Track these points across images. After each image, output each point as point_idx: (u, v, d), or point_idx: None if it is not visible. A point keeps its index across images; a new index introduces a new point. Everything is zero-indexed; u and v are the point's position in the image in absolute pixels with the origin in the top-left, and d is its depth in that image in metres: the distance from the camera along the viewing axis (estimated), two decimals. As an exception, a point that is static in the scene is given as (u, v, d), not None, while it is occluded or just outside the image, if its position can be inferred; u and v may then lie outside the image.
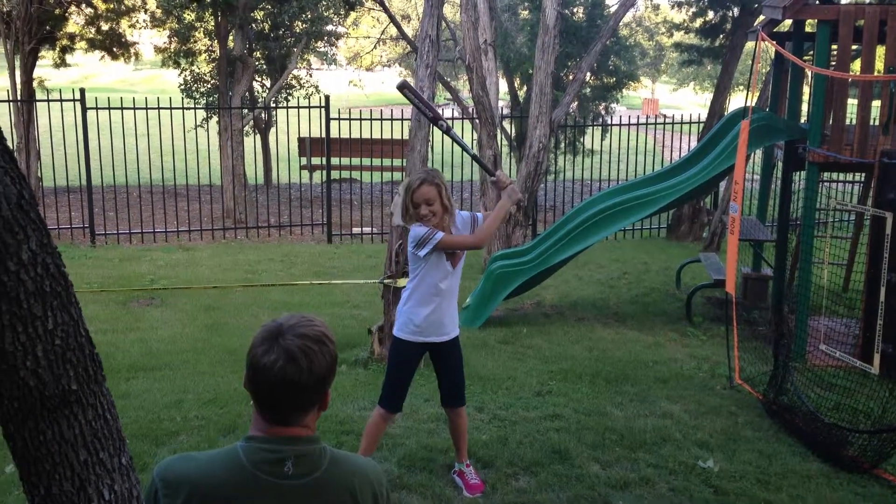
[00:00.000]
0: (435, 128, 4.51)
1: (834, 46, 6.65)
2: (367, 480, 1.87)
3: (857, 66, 7.19)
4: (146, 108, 11.63)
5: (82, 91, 11.44)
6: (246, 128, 14.66)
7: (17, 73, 13.41)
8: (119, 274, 9.60)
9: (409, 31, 21.65)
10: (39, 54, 14.15)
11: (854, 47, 6.87)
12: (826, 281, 6.76)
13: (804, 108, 7.82)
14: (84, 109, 11.28)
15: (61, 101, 11.75)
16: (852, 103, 6.92)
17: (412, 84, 4.61)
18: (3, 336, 1.65)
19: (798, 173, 7.21)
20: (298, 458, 1.77)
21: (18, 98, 13.11)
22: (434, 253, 4.07)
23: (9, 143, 1.65)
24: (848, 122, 6.82)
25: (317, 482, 1.79)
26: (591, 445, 4.90)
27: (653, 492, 4.36)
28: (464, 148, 4.40)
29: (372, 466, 1.93)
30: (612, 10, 14.52)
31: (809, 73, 6.94)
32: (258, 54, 15.66)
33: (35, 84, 13.91)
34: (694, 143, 11.69)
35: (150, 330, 7.28)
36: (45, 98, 12.71)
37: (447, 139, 4.49)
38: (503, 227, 9.06)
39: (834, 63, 6.75)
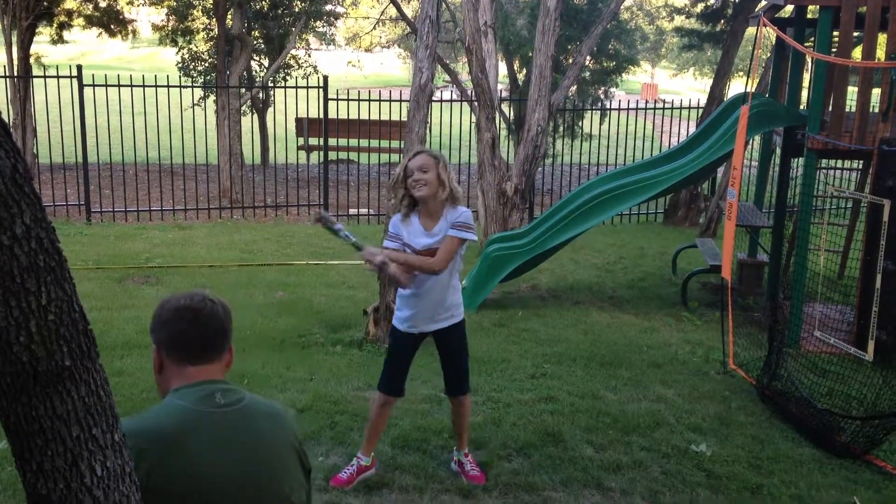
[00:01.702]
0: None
1: (835, 33, 6.63)
2: (287, 414, 2.29)
3: (858, 53, 7.17)
4: (143, 86, 11.57)
5: (79, 68, 11.37)
6: (243, 107, 14.59)
7: (14, 48, 13.33)
8: (114, 252, 9.59)
9: (408, 11, 21.51)
10: (37, 30, 14.06)
11: (855, 34, 6.84)
12: (822, 267, 6.77)
13: (804, 94, 7.79)
14: (81, 86, 11.22)
15: (58, 77, 11.68)
16: (852, 90, 6.90)
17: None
18: (-5, 311, 1.64)
19: (796, 160, 7.21)
20: (224, 391, 2.12)
21: (15, 74, 13.03)
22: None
23: (5, 118, 1.63)
24: (847, 109, 6.81)
25: (247, 406, 2.13)
26: (585, 428, 4.92)
27: (645, 475, 4.38)
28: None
29: (281, 405, 2.33)
30: (613, -7, 14.42)
31: (810, 60, 6.91)
32: (256, 33, 15.57)
33: (32, 60, 13.83)
34: (693, 129, 11.67)
35: (145, 308, 7.27)
36: (42, 74, 12.64)
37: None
38: (500, 210, 9.04)
39: (835, 49, 6.73)
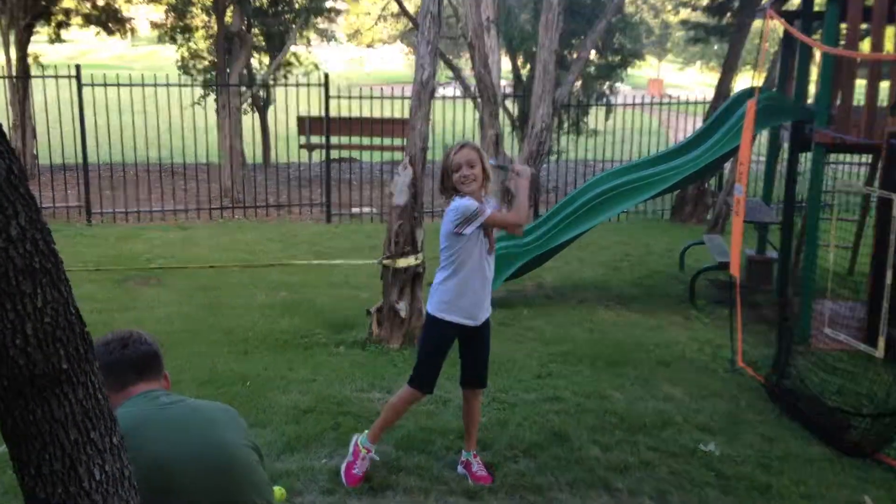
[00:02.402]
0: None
1: (843, 25, 6.57)
2: (227, 406, 2.51)
3: (866, 45, 7.11)
4: (143, 85, 11.53)
5: (78, 67, 11.33)
6: (244, 106, 14.55)
7: (12, 48, 13.31)
8: (115, 253, 9.56)
9: (410, 7, 21.46)
10: (34, 30, 14.04)
11: (863, 27, 6.78)
12: (831, 263, 6.71)
13: (812, 88, 7.74)
14: (80, 86, 11.18)
15: (56, 77, 11.64)
16: (860, 84, 6.85)
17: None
18: (-10, 314, 1.63)
19: (804, 154, 7.15)
20: (167, 394, 2.40)
21: (13, 74, 13.00)
22: (475, 231, 3.92)
23: (4, 120, 1.60)
24: (855, 103, 6.75)
25: (191, 403, 2.39)
26: (591, 428, 4.87)
27: (653, 475, 4.33)
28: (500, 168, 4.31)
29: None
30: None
31: (817, 53, 6.85)
32: (256, 31, 15.53)
33: (30, 60, 13.81)
34: (699, 124, 11.62)
35: (147, 310, 7.23)
36: (41, 74, 12.61)
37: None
38: (504, 208, 8.98)
39: (843, 42, 6.67)
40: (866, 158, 8.57)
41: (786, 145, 7.82)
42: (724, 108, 8.29)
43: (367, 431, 4.24)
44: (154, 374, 2.46)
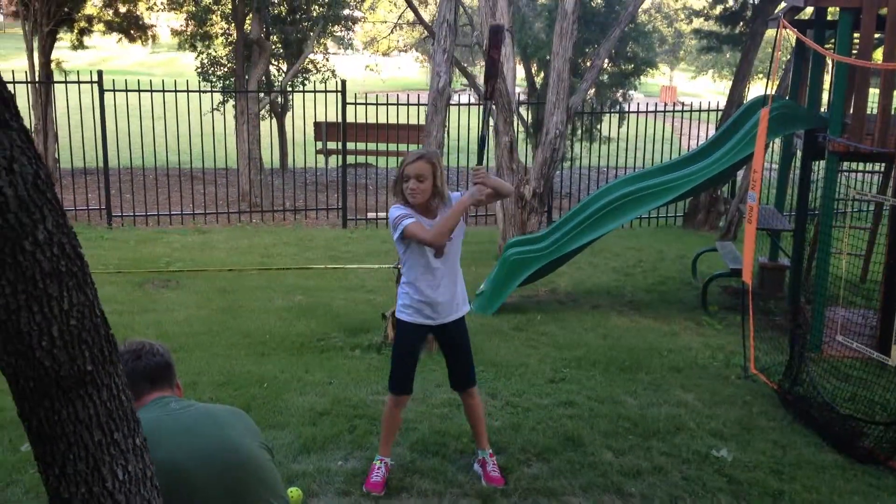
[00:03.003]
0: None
1: (856, 34, 6.56)
2: (237, 411, 2.63)
3: (879, 54, 7.10)
4: (163, 91, 11.66)
5: (100, 73, 11.46)
6: (262, 112, 14.65)
7: (36, 54, 13.47)
8: (135, 256, 9.65)
9: (426, 15, 21.54)
10: (57, 36, 14.21)
11: (877, 35, 6.77)
12: (844, 271, 6.70)
13: (825, 96, 7.73)
14: (101, 91, 11.31)
15: (79, 83, 11.78)
16: (874, 92, 6.83)
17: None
18: (18, 316, 1.65)
19: (817, 162, 7.14)
20: (177, 400, 2.51)
21: (37, 79, 13.16)
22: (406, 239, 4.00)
23: (27, 124, 1.65)
24: (869, 111, 6.74)
25: (201, 408, 2.50)
26: (605, 433, 4.89)
27: (666, 480, 4.34)
28: (485, 124, 4.26)
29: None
30: (632, -5, 14.37)
31: (830, 62, 6.85)
32: (275, 38, 15.63)
33: (53, 66, 13.98)
34: (712, 132, 11.60)
35: (166, 312, 7.31)
36: (63, 80, 12.76)
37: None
38: (518, 214, 9.02)
39: (856, 51, 6.67)
40: (879, 167, 8.53)
41: (799, 153, 7.81)
42: (737, 115, 8.28)
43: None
44: (166, 383, 2.58)
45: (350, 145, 13.41)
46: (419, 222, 3.95)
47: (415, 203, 4.00)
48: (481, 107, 4.09)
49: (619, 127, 14.79)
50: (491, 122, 4.36)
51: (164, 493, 2.04)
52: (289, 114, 16.83)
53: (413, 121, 13.62)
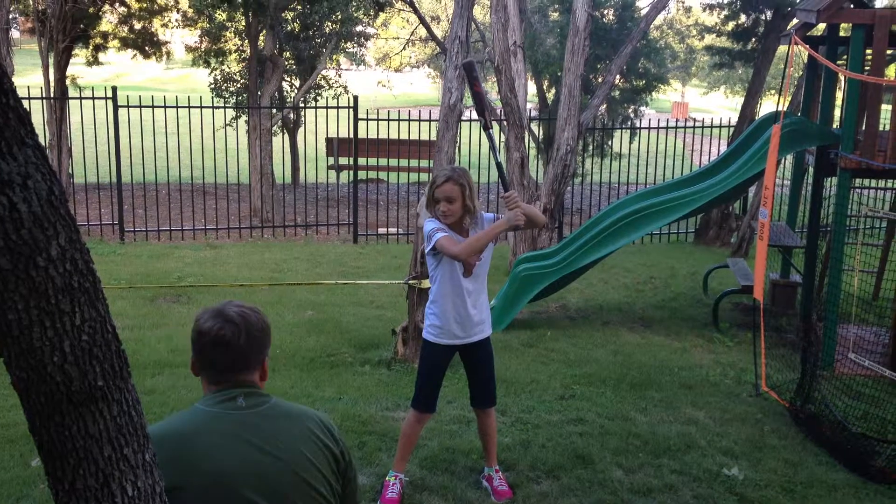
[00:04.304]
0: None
1: (868, 51, 6.56)
2: (317, 415, 2.25)
3: (891, 71, 7.08)
4: (176, 107, 11.75)
5: (114, 89, 11.57)
6: (274, 127, 14.75)
7: (51, 70, 13.61)
8: (147, 271, 9.70)
9: (438, 32, 21.65)
10: (73, 52, 14.35)
11: (889, 52, 6.77)
12: (856, 288, 6.67)
13: (836, 113, 7.72)
14: (115, 107, 11.41)
15: (93, 98, 11.89)
16: (886, 109, 6.82)
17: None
18: (31, 331, 1.66)
19: (829, 179, 7.12)
20: (247, 394, 2.15)
21: (51, 95, 13.29)
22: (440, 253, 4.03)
23: (41, 140, 1.66)
24: (881, 127, 6.72)
25: (272, 408, 2.16)
26: (615, 451, 4.87)
27: (676, 499, 4.32)
28: (493, 151, 4.32)
29: (315, 411, 2.28)
30: (643, 12, 14.42)
31: (842, 78, 6.84)
32: (288, 54, 15.75)
33: (68, 82, 14.12)
34: (724, 148, 11.59)
35: (177, 327, 7.34)
36: (78, 96, 12.88)
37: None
38: (529, 230, 9.02)
39: (868, 68, 6.66)
40: (892, 183, 8.49)
41: (811, 170, 7.79)
42: (748, 132, 8.28)
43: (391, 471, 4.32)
44: (250, 369, 2.21)
45: (361, 161, 13.46)
46: (451, 237, 3.99)
47: (448, 223, 4.05)
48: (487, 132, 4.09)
49: (631, 143, 14.80)
50: (496, 142, 4.44)
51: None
52: (301, 129, 16.93)
53: (425, 137, 13.67)
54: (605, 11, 15.28)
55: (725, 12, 15.11)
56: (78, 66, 15.16)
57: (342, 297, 8.64)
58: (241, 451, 2.08)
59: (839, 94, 7.49)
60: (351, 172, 13.34)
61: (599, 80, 13.37)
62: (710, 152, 13.87)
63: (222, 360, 2.18)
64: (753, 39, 14.23)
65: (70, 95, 13.70)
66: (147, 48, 15.44)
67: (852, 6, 6.96)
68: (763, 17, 13.81)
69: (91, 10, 13.74)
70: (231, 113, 15.76)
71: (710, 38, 17.34)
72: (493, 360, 4.35)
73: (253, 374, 2.22)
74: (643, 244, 12.18)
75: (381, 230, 12.79)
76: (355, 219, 12.51)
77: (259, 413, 2.15)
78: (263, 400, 2.18)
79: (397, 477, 4.24)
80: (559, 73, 12.67)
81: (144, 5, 15.21)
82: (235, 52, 16.12)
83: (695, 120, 14.67)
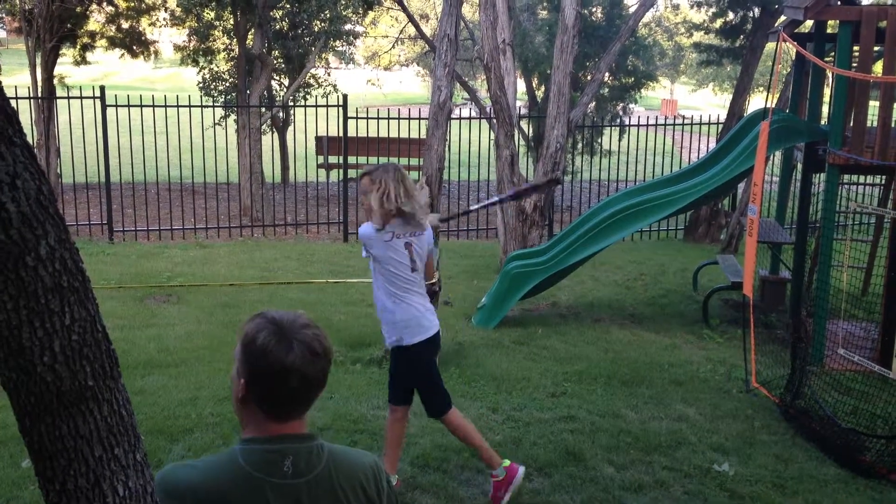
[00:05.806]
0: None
1: (856, 47, 6.59)
2: (369, 474, 1.91)
3: (878, 67, 7.12)
4: (165, 106, 11.70)
5: (102, 88, 11.51)
6: (263, 126, 14.70)
7: (38, 70, 13.53)
8: (136, 270, 9.66)
9: (427, 30, 21.64)
10: (60, 52, 14.28)
11: (876, 49, 6.81)
12: (845, 284, 6.70)
13: (825, 109, 7.75)
14: (104, 107, 11.35)
15: (81, 98, 11.83)
16: (874, 105, 6.85)
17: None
18: (20, 331, 1.65)
19: (818, 175, 7.16)
20: (297, 456, 1.80)
21: (39, 95, 13.22)
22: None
23: (29, 139, 1.65)
24: (869, 124, 6.76)
25: (317, 479, 1.81)
26: (606, 447, 4.88)
27: (667, 495, 4.34)
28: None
29: (370, 459, 1.95)
30: (632, 10, 14.47)
31: (830, 75, 6.88)
32: (276, 53, 15.70)
33: (55, 81, 14.04)
34: (713, 145, 11.63)
35: (167, 327, 7.32)
36: (66, 95, 12.81)
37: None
38: (519, 227, 9.03)
39: (855, 64, 6.69)
40: (880, 179, 8.54)
41: (799, 166, 7.83)
42: (737, 128, 8.31)
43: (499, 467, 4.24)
44: (308, 407, 1.87)
45: (351, 159, 13.44)
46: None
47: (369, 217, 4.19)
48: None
49: (620, 140, 14.83)
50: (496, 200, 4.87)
51: None
52: (290, 128, 16.88)
53: (414, 135, 13.67)
54: (594, 9, 15.31)
55: (713, 9, 15.15)
56: (65, 65, 15.07)
57: (333, 296, 8.62)
58: None
59: (827, 91, 7.53)
60: (341, 171, 13.32)
61: (588, 77, 13.39)
62: (699, 149, 13.92)
63: (288, 401, 1.81)
64: (741, 36, 14.28)
65: (58, 95, 13.63)
66: (135, 47, 15.35)
67: (839, 3, 6.99)
68: (751, 15, 13.85)
69: (78, 9, 13.66)
70: (220, 112, 15.70)
71: (698, 36, 17.38)
72: (398, 372, 4.34)
73: (305, 415, 1.87)
74: (633, 241, 12.21)
75: (372, 229, 12.74)
76: (345, 217, 12.50)
77: (304, 485, 1.80)
78: (312, 464, 1.82)
79: (516, 474, 4.23)
80: (548, 71, 12.69)
81: (132, 4, 15.13)
82: (224, 51, 16.05)
83: (683, 117, 14.71)
